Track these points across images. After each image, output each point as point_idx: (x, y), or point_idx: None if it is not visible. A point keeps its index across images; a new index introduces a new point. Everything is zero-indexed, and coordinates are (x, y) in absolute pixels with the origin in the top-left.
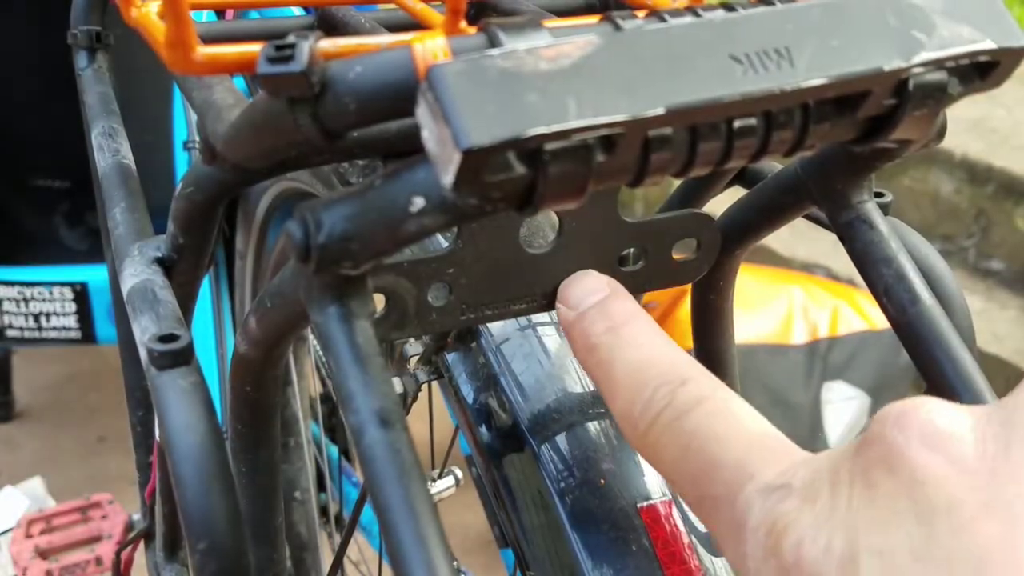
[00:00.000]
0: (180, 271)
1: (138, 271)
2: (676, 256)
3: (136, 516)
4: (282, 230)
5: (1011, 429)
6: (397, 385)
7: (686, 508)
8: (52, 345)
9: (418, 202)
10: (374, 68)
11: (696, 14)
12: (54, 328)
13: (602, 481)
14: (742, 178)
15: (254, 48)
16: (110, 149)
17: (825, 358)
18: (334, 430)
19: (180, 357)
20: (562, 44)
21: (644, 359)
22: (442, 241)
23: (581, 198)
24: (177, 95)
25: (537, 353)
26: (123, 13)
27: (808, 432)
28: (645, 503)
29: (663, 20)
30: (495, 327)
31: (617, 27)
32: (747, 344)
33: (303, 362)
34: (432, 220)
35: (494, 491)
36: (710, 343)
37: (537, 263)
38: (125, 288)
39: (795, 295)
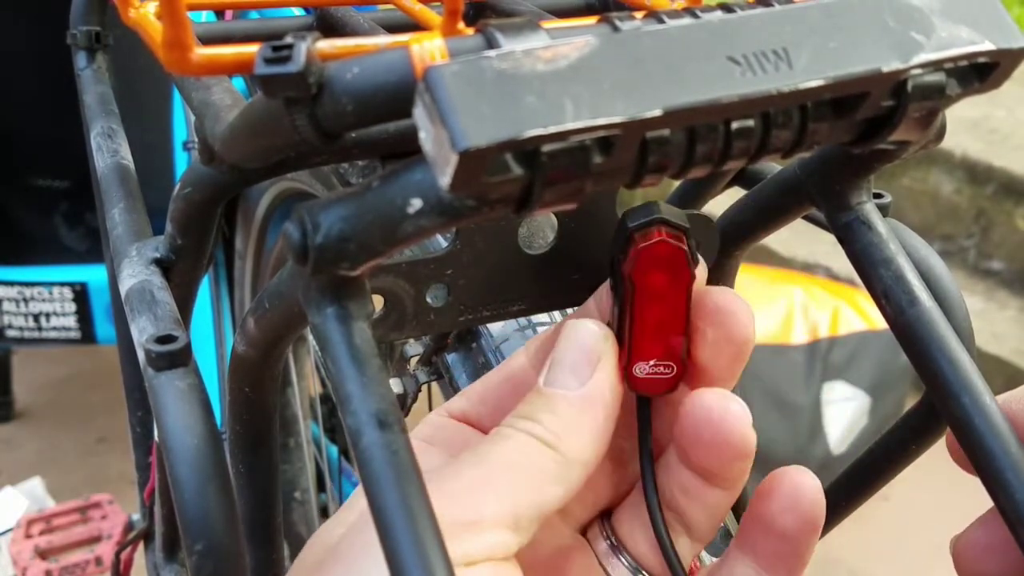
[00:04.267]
0: (179, 272)
1: (136, 272)
2: None
3: (136, 516)
4: (281, 231)
5: None
6: (397, 386)
7: None
8: (52, 345)
9: (416, 203)
10: (371, 69)
11: (694, 15)
12: (54, 328)
13: None
14: (741, 179)
15: (252, 49)
16: (109, 149)
17: (825, 358)
18: (334, 430)
19: (178, 358)
20: (560, 45)
21: None
22: (441, 241)
23: (579, 199)
24: (177, 95)
25: None
26: (121, 14)
27: (808, 432)
28: None
29: (661, 21)
30: (495, 327)
31: (615, 28)
32: None
33: (303, 362)
34: (430, 221)
35: None
36: None
37: (536, 264)
38: (123, 289)
39: (795, 295)
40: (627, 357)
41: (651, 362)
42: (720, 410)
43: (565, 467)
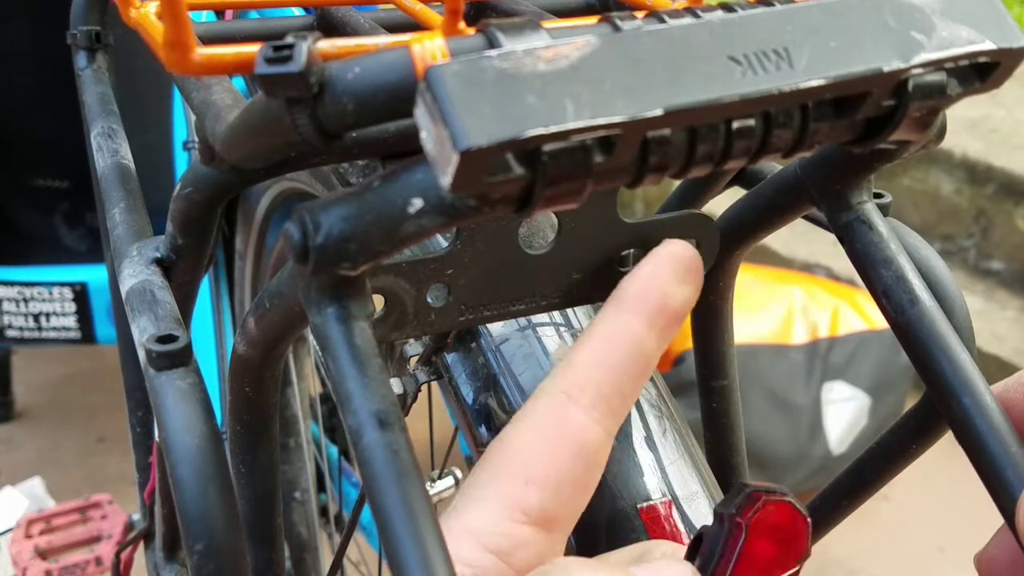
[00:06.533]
0: (179, 271)
1: (137, 271)
2: None
3: (136, 516)
4: (281, 231)
5: None
6: (397, 386)
7: (686, 508)
8: (52, 345)
9: (416, 203)
10: (372, 69)
11: (695, 15)
12: (54, 328)
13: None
14: (742, 179)
15: (253, 49)
16: (109, 149)
17: (825, 358)
18: (334, 430)
19: (178, 358)
20: (560, 45)
21: None
22: (442, 241)
23: (580, 199)
24: (177, 95)
25: (537, 354)
26: (122, 13)
27: (808, 432)
28: (645, 504)
29: (662, 21)
30: (495, 327)
31: (616, 28)
32: (747, 344)
33: (303, 362)
34: (431, 221)
35: None
36: (709, 344)
37: (536, 264)
38: (124, 288)
39: (795, 295)
40: None
41: None
42: None
43: None
